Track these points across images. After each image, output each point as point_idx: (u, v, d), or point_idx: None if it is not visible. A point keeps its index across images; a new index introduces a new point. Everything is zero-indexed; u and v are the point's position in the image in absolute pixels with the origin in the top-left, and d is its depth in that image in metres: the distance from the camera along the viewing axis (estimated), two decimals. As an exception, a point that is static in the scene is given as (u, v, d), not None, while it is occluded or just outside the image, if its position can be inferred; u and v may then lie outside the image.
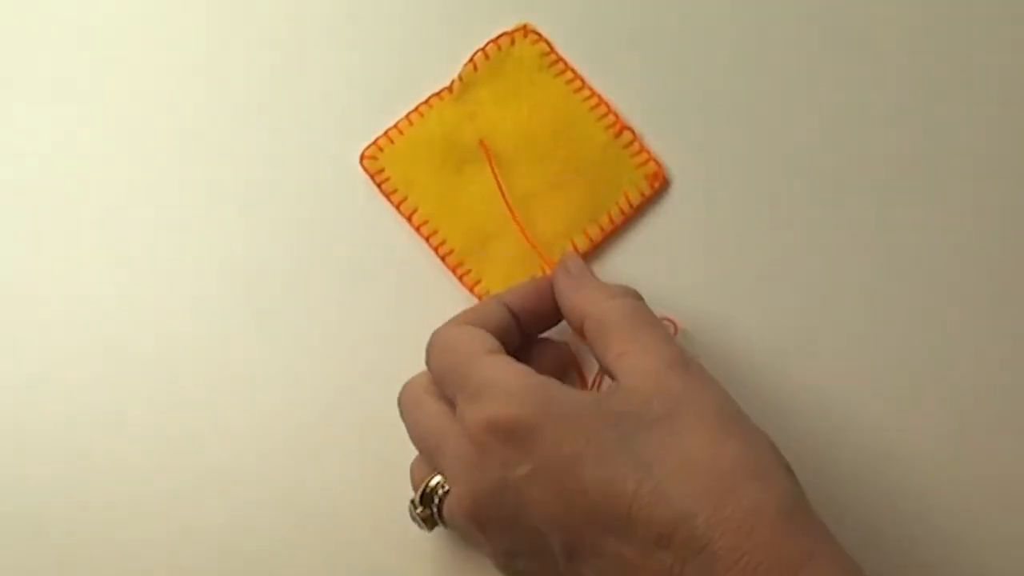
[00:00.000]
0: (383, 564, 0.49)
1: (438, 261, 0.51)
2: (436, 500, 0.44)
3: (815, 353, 0.50)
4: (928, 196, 0.51)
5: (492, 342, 0.43)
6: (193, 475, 0.49)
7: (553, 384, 0.41)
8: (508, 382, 0.41)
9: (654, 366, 0.41)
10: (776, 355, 0.50)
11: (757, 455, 0.39)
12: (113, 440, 0.50)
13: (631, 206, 0.51)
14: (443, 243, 0.51)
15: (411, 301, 0.51)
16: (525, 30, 0.52)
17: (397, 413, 0.46)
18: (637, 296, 0.45)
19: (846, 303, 0.50)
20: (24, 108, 0.53)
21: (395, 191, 0.51)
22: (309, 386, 0.50)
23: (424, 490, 0.44)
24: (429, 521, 0.44)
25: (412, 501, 0.45)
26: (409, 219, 0.51)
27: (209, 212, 0.52)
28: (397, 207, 0.51)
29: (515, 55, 0.52)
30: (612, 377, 0.42)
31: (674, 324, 0.49)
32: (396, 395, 0.46)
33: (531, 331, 0.47)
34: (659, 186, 0.51)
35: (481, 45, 0.52)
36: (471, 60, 0.52)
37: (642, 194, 0.51)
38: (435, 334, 0.45)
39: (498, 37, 0.52)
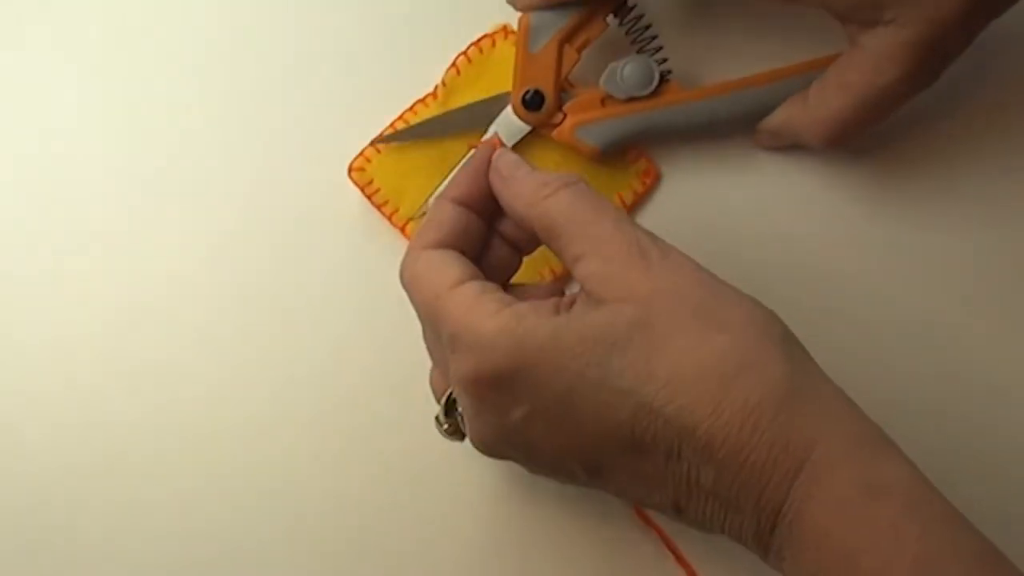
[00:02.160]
0: (383, 564, 0.49)
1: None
2: (459, 410, 0.43)
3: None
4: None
5: (453, 267, 0.41)
6: (193, 476, 0.49)
7: (522, 315, 0.39)
8: (477, 330, 0.39)
9: (614, 268, 0.39)
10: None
11: (743, 342, 0.38)
12: (113, 440, 0.50)
13: (625, 204, 0.50)
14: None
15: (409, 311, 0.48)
16: (506, 31, 0.50)
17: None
18: (573, 182, 0.42)
19: (841, 291, 0.50)
20: (16, 114, 0.52)
21: (386, 202, 0.50)
22: (306, 394, 0.50)
23: (446, 402, 0.43)
24: (457, 433, 0.44)
25: (437, 417, 0.44)
26: (403, 231, 0.50)
27: (200, 232, 0.51)
28: (389, 218, 0.50)
29: (497, 57, 0.50)
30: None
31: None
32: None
33: (493, 209, 0.44)
34: (651, 183, 0.51)
35: (463, 49, 0.50)
36: (453, 64, 0.50)
37: (635, 192, 0.50)
38: (401, 271, 0.43)
39: (479, 40, 0.50)
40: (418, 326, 0.44)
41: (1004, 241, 0.50)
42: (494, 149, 0.44)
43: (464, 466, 0.49)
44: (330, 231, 0.50)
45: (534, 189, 0.42)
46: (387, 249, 0.49)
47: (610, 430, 0.38)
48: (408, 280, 0.42)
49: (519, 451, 0.41)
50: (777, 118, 0.49)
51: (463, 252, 0.43)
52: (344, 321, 0.50)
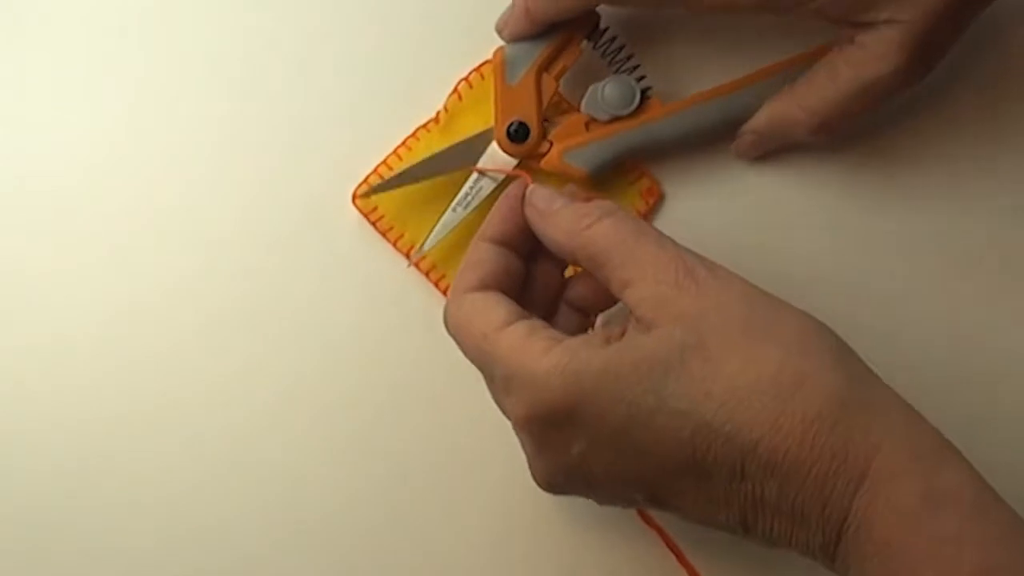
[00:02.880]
0: (384, 564, 0.50)
1: (441, 296, 0.51)
2: None
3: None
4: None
5: (498, 308, 0.42)
6: (192, 477, 0.50)
7: (574, 351, 0.39)
8: (530, 369, 0.39)
9: (662, 291, 0.39)
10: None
11: (796, 354, 0.38)
12: (113, 441, 0.50)
13: None
14: (443, 277, 0.51)
15: (418, 337, 0.51)
16: (506, 57, 0.51)
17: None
18: (613, 211, 0.42)
19: (844, 302, 0.50)
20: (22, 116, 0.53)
21: (391, 228, 0.51)
22: (307, 397, 0.51)
23: None
24: None
25: None
26: (407, 255, 0.51)
27: (203, 242, 0.52)
28: (394, 244, 0.51)
29: (498, 82, 0.51)
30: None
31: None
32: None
33: (531, 246, 0.45)
34: (654, 201, 0.51)
35: (464, 75, 0.51)
36: (455, 90, 0.51)
37: (638, 211, 0.51)
38: (445, 316, 0.44)
39: (480, 65, 0.51)
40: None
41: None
42: (526, 186, 0.45)
43: (465, 467, 0.50)
44: (338, 262, 0.51)
45: (574, 220, 0.42)
46: (390, 272, 0.51)
47: (671, 454, 0.38)
48: (453, 326, 0.43)
49: (581, 485, 0.42)
50: (763, 116, 0.49)
51: (505, 291, 0.43)
52: (346, 338, 0.51)
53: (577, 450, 0.40)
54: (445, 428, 0.50)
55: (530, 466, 0.43)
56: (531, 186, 0.45)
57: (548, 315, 0.46)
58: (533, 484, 0.48)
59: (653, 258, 0.40)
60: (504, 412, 0.42)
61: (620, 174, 0.51)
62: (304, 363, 0.51)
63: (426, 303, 0.51)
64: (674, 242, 0.41)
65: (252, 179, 0.52)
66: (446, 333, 0.44)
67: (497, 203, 0.46)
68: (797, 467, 0.36)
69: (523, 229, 0.44)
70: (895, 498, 0.36)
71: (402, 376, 0.51)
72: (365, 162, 0.51)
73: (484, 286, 0.43)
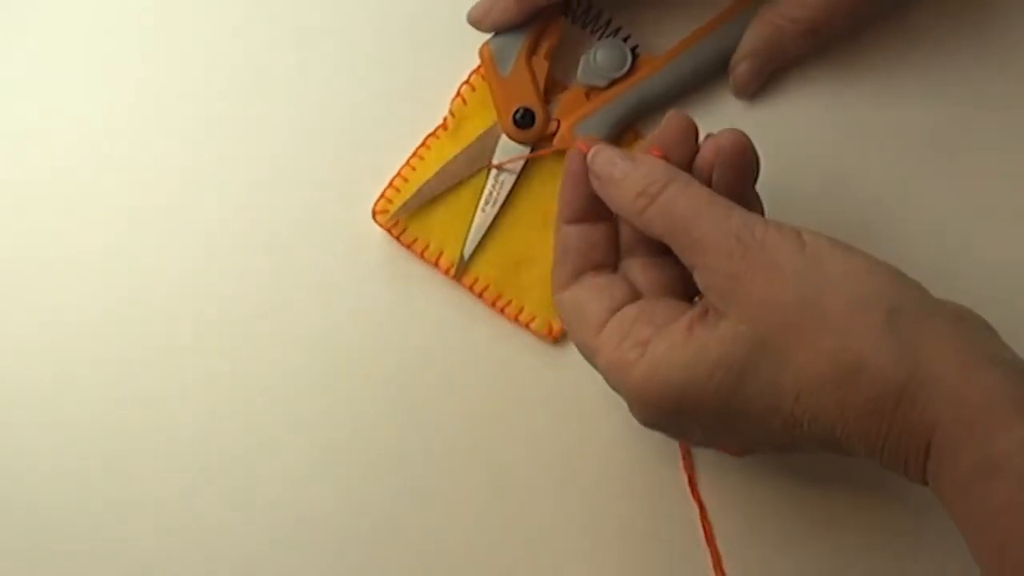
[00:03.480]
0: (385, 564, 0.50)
1: (475, 299, 0.51)
2: None
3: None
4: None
5: (590, 309, 0.43)
6: (192, 477, 0.50)
7: (657, 363, 0.41)
8: (627, 384, 0.42)
9: (720, 280, 0.40)
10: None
11: (849, 339, 0.38)
12: (113, 441, 0.50)
13: None
14: (476, 280, 0.51)
15: (458, 343, 0.51)
16: (503, 54, 0.51)
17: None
18: (674, 176, 0.42)
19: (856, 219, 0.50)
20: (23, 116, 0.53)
21: (415, 240, 0.51)
22: (309, 401, 0.51)
23: None
24: None
25: None
26: (436, 264, 0.51)
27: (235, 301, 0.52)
28: (421, 255, 0.51)
29: (500, 80, 0.51)
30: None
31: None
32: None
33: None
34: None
35: (464, 78, 0.51)
36: (458, 94, 0.51)
37: None
38: (555, 304, 0.46)
39: (479, 67, 0.51)
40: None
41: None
42: (584, 153, 0.45)
43: (464, 470, 0.50)
44: (366, 281, 0.51)
45: (632, 200, 0.43)
46: (421, 284, 0.51)
47: (768, 438, 0.41)
48: (566, 329, 0.46)
49: (695, 441, 0.47)
50: (751, 38, 0.49)
51: (601, 264, 0.45)
52: (398, 366, 0.51)
53: (697, 436, 0.44)
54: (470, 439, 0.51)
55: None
56: (591, 151, 0.44)
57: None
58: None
59: (710, 240, 0.40)
60: None
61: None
62: (331, 378, 0.51)
63: (457, 310, 0.51)
64: (728, 209, 0.41)
65: (269, 204, 0.52)
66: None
67: (561, 182, 0.46)
68: (872, 448, 0.39)
69: (595, 196, 0.45)
70: (951, 471, 0.37)
71: (430, 390, 0.51)
72: (379, 178, 0.51)
73: (575, 274, 0.45)
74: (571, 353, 0.48)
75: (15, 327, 0.51)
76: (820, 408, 0.38)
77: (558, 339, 0.50)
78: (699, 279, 0.41)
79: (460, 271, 0.50)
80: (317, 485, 0.50)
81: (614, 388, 0.43)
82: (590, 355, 0.43)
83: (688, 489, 0.49)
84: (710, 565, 0.49)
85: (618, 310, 0.43)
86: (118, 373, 0.51)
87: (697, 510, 0.49)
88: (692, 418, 0.41)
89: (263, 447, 0.50)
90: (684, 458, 0.49)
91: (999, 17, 0.51)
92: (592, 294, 0.44)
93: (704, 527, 0.49)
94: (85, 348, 0.51)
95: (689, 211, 0.41)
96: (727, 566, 0.49)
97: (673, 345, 0.41)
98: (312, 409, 0.50)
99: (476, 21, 0.49)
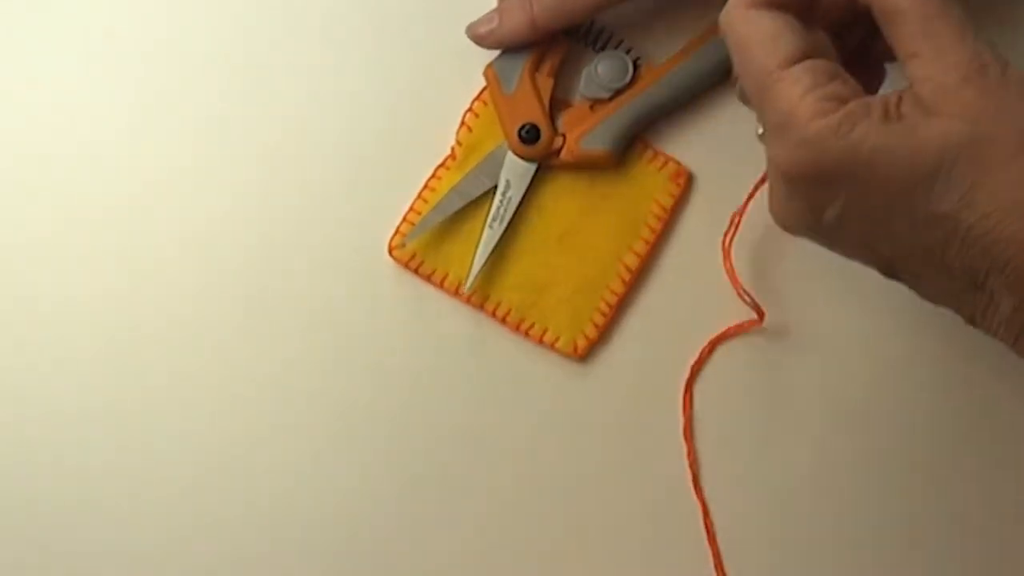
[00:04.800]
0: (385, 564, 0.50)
1: (499, 325, 0.51)
2: None
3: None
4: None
5: (784, 39, 0.39)
6: (193, 477, 0.50)
7: (855, 120, 0.37)
8: (807, 127, 0.38)
9: (950, 80, 0.37)
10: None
11: None
12: (113, 442, 0.51)
13: (665, 210, 0.51)
14: (498, 305, 0.51)
15: (484, 370, 0.51)
16: (503, 79, 0.52)
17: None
18: None
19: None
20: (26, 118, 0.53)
21: (434, 271, 0.51)
22: (313, 404, 0.51)
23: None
24: None
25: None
26: (456, 293, 0.51)
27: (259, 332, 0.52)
28: (440, 286, 0.51)
29: (502, 104, 0.52)
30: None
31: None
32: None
33: None
34: (685, 182, 0.51)
35: (467, 106, 0.51)
36: (463, 123, 0.51)
37: (672, 195, 0.51)
38: (723, 19, 0.40)
39: (480, 93, 0.51)
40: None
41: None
42: None
43: (465, 469, 0.50)
44: (387, 317, 0.51)
45: None
46: (443, 315, 0.51)
47: (919, 248, 0.38)
48: (733, 42, 0.40)
49: (821, 239, 0.41)
50: None
51: (794, 9, 0.40)
52: (428, 397, 0.51)
53: (831, 214, 0.39)
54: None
55: (774, 202, 0.41)
56: None
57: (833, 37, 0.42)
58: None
59: (951, 41, 0.38)
60: (766, 151, 0.40)
61: (645, 163, 0.51)
62: (355, 403, 0.51)
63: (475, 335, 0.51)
64: (972, 28, 0.38)
65: (284, 265, 0.52)
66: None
67: None
68: None
69: None
70: None
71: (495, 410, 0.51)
72: (392, 214, 0.51)
73: (771, 3, 0.40)
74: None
75: (15, 327, 0.51)
76: (1005, 235, 0.36)
77: (584, 356, 0.50)
78: (918, 68, 0.38)
79: (472, 286, 0.50)
80: (343, 510, 0.50)
81: (767, 128, 0.39)
82: (761, 85, 0.39)
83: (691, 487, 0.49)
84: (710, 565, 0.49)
85: (811, 58, 0.39)
86: (129, 392, 0.51)
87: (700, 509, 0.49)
88: (847, 193, 0.38)
89: (287, 475, 0.51)
90: (688, 455, 0.50)
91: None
92: (790, 31, 0.39)
93: (705, 526, 0.49)
94: (91, 349, 0.51)
95: (939, 4, 0.38)
96: (727, 566, 0.49)
97: (870, 117, 0.37)
98: (335, 433, 0.51)
99: (480, 37, 0.50)
